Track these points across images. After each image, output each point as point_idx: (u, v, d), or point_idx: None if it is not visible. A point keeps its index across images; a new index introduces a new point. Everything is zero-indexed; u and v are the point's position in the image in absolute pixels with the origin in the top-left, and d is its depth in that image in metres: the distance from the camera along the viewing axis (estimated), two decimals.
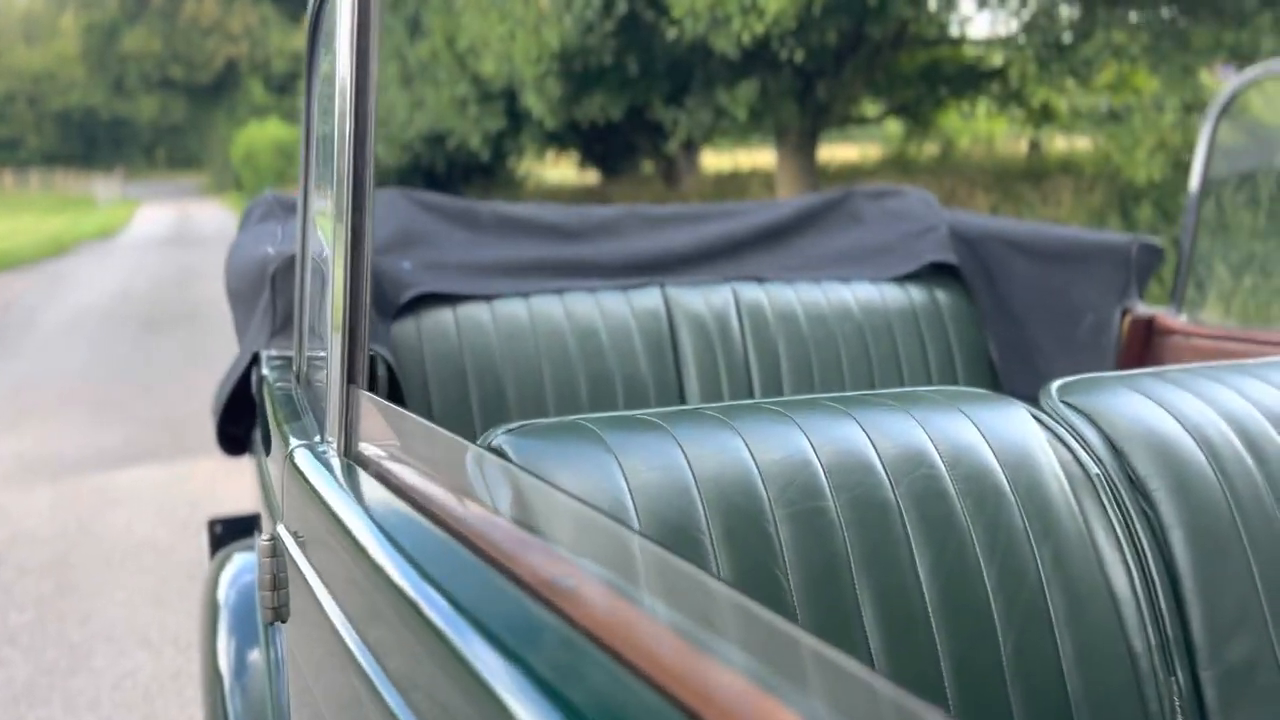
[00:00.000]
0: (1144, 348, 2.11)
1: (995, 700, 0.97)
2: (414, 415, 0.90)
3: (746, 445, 1.01)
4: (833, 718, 0.43)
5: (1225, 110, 2.08)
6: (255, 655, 1.58)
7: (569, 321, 2.05)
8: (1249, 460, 1.13)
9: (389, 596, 0.74)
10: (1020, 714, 0.97)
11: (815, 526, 0.98)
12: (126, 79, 46.05)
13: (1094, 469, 1.10)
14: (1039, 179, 10.68)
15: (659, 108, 11.58)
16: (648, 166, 17.92)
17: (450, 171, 17.59)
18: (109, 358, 7.58)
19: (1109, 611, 1.03)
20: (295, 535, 1.05)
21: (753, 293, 2.17)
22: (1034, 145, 14.60)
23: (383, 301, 1.96)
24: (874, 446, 1.04)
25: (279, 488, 1.18)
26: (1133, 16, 8.20)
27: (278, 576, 1.06)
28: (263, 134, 27.13)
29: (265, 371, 1.67)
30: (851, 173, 14.01)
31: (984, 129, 15.77)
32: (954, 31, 10.94)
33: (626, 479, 0.96)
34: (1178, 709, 1.03)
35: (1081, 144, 13.19)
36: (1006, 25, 10.03)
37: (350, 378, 1.02)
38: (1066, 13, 8.78)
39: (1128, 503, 1.10)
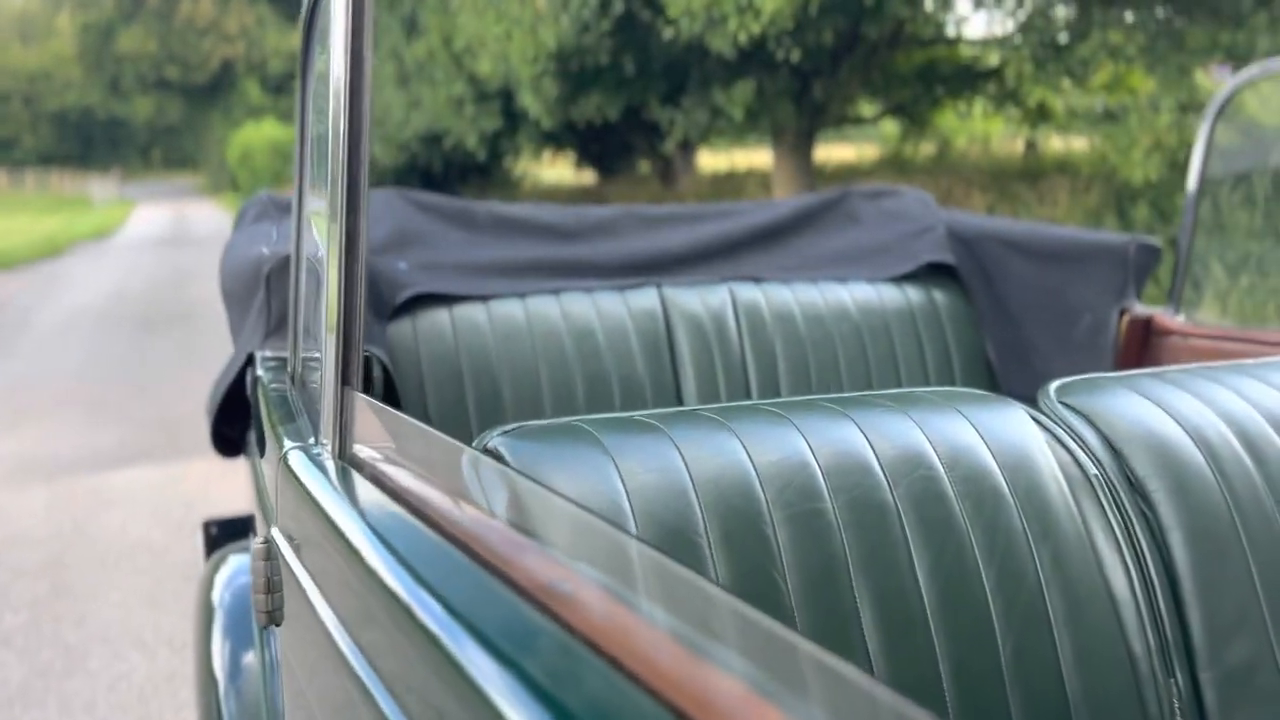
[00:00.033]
0: (1142, 348, 2.11)
1: (994, 703, 0.97)
2: (409, 417, 0.89)
3: (744, 447, 1.01)
4: None
5: (1223, 110, 2.08)
6: (250, 658, 1.57)
7: (565, 322, 2.04)
8: (1248, 461, 1.13)
9: (383, 600, 0.73)
10: (1019, 717, 0.97)
11: (813, 528, 0.97)
12: (122, 79, 45.96)
13: (1093, 470, 1.10)
14: (1035, 179, 10.69)
15: (655, 108, 11.58)
16: (644, 166, 17.91)
17: (447, 171, 17.58)
18: (104, 358, 7.56)
19: (1108, 614, 1.02)
20: (289, 538, 1.05)
21: (750, 293, 2.16)
22: (1030, 145, 14.61)
23: (378, 302, 1.95)
24: (872, 448, 1.04)
25: (273, 490, 1.17)
26: (1129, 17, 8.20)
27: (272, 580, 1.06)
28: (259, 134, 27.10)
29: (260, 372, 1.66)
30: (848, 173, 14.02)
31: (980, 129, 15.77)
32: (950, 31, 10.94)
33: (623, 481, 0.96)
34: (1177, 711, 1.02)
35: (1078, 144, 13.21)
36: (1003, 25, 10.03)
37: (345, 379, 1.02)
38: (1063, 13, 8.78)
39: (1127, 504, 1.09)
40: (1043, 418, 1.14)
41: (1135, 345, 2.11)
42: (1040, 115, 11.73)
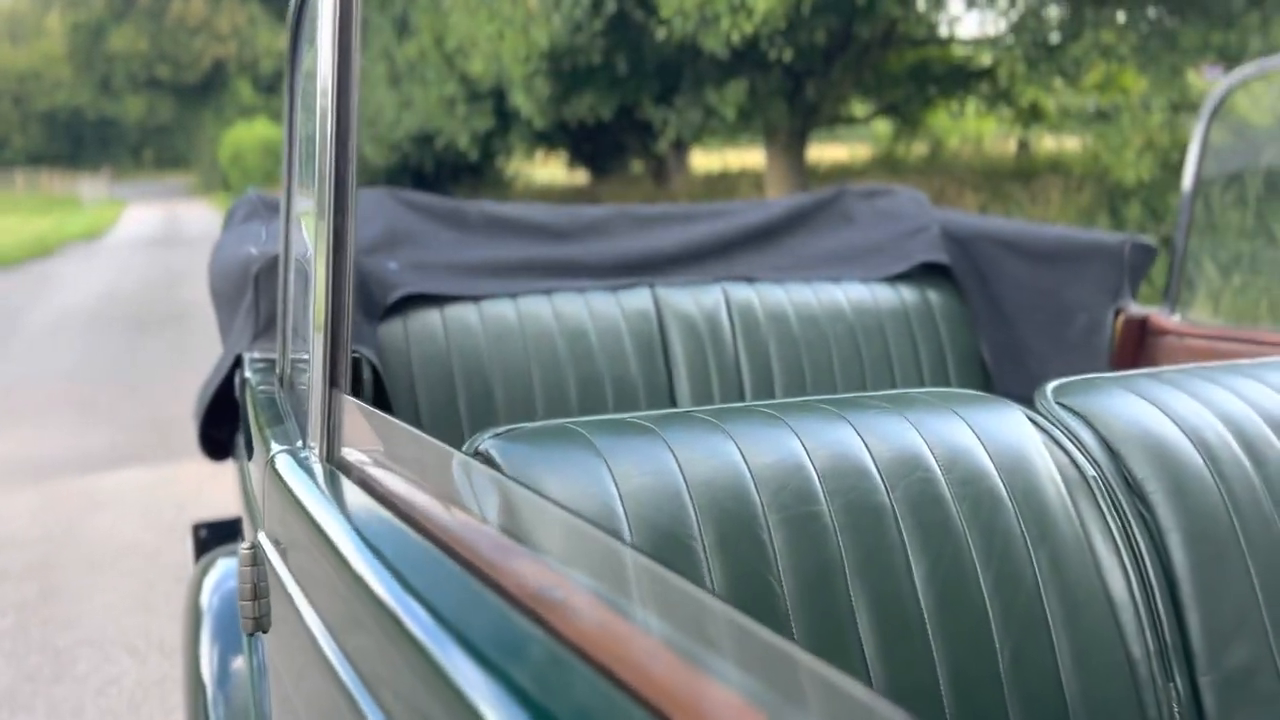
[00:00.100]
0: (1137, 348, 2.10)
1: (992, 708, 0.96)
2: (397, 420, 0.88)
3: (739, 449, 1.00)
4: None
5: (1218, 109, 2.07)
6: (238, 663, 1.55)
7: (558, 322, 2.03)
8: (1247, 463, 1.12)
9: (370, 607, 0.72)
10: None
11: (809, 532, 0.96)
12: (113, 79, 45.83)
13: (1090, 471, 1.09)
14: (1028, 179, 10.70)
15: (648, 107, 11.57)
16: (637, 166, 17.91)
17: (439, 171, 17.56)
18: (95, 359, 7.53)
19: (1107, 617, 1.01)
20: (276, 543, 1.03)
21: (743, 293, 2.15)
22: (1022, 145, 14.63)
23: (369, 303, 1.94)
24: (868, 450, 1.02)
25: (260, 494, 1.16)
26: (1120, 17, 8.22)
27: (258, 586, 1.04)
28: (250, 134, 27.05)
29: (248, 374, 1.64)
30: (841, 172, 14.03)
31: (973, 129, 15.79)
32: (943, 31, 10.96)
33: (617, 484, 0.94)
34: (1177, 716, 1.01)
35: (1070, 144, 13.23)
36: (995, 25, 10.06)
37: (333, 381, 1.00)
38: (1055, 13, 8.80)
39: (1125, 506, 1.08)
40: (1040, 419, 1.13)
41: (1131, 345, 2.10)
42: (1032, 115, 11.76)
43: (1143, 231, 7.77)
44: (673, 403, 2.05)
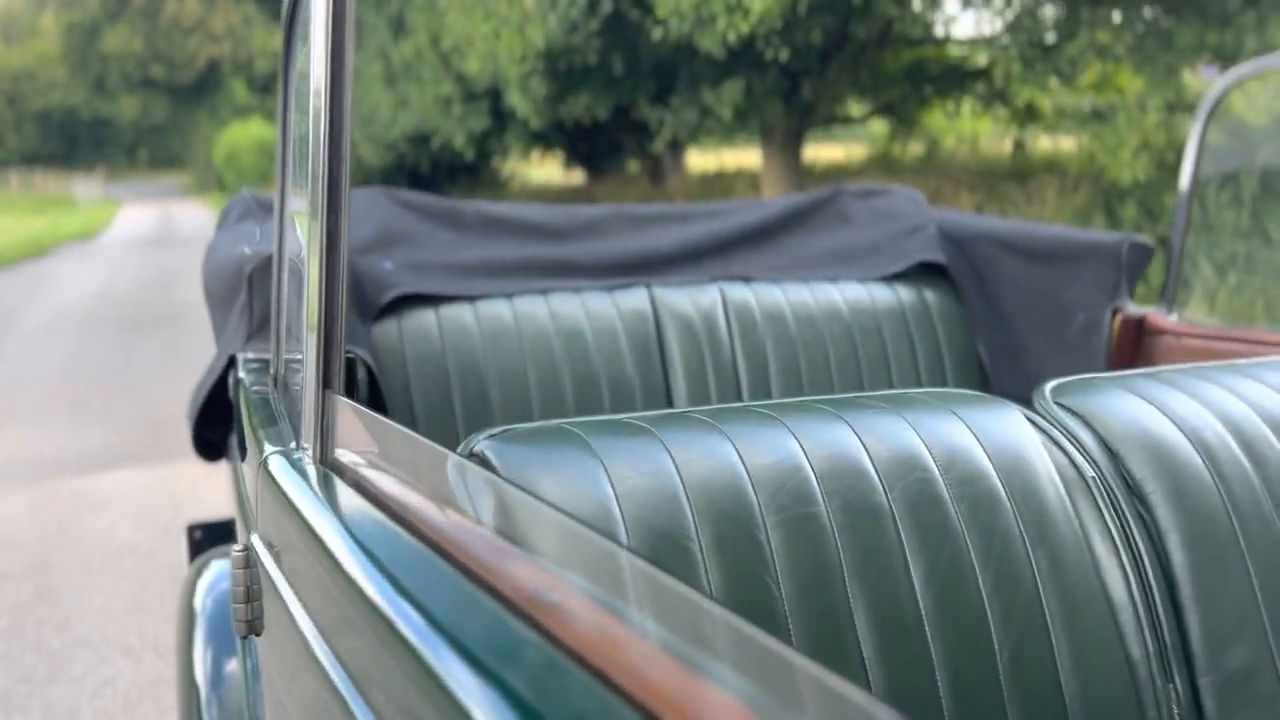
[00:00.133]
0: (1135, 348, 2.10)
1: (991, 709, 0.95)
2: (392, 421, 0.87)
3: (736, 449, 0.99)
4: None
5: (1215, 109, 2.07)
6: (232, 665, 1.55)
7: (554, 322, 2.02)
8: (1246, 463, 1.12)
9: (363, 610, 0.71)
10: None
11: (807, 533, 0.95)
12: (108, 79, 45.74)
13: (1089, 472, 1.08)
14: (1024, 179, 10.71)
15: (644, 107, 11.57)
16: (633, 166, 17.90)
17: (435, 171, 17.54)
18: (90, 359, 7.51)
19: (1106, 618, 1.01)
20: (269, 545, 1.02)
21: (740, 293, 2.15)
22: (1018, 145, 14.65)
23: (363, 302, 1.93)
24: (866, 450, 1.02)
25: (253, 496, 1.15)
26: (1116, 16, 8.23)
27: (251, 589, 1.03)
28: (245, 134, 27.02)
29: (242, 375, 1.63)
30: (837, 172, 14.03)
31: (968, 129, 15.82)
32: (939, 31, 10.96)
33: (613, 485, 0.94)
34: (1176, 717, 1.01)
35: (1066, 144, 13.25)
36: (991, 25, 10.06)
37: (326, 382, 1.00)
38: (1050, 13, 8.81)
39: (1124, 506, 1.08)
40: (1038, 419, 1.13)
41: (1128, 345, 2.10)
42: (1028, 115, 11.77)
43: (1138, 231, 7.77)
44: (669, 403, 2.04)
